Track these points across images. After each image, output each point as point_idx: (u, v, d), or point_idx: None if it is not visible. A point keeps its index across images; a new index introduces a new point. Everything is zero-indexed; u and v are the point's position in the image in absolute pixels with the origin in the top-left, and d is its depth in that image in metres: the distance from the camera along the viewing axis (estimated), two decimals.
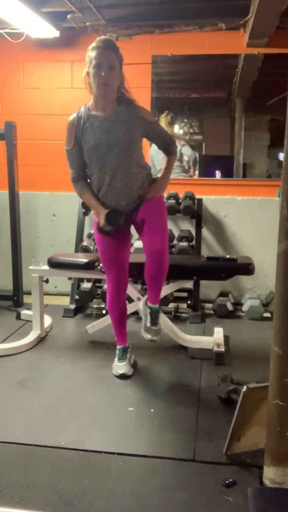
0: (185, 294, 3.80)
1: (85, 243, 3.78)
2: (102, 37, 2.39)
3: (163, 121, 4.02)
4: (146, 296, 2.63)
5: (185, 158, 4.13)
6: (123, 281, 2.67)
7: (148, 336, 2.56)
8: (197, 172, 4.16)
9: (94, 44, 2.33)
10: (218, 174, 4.12)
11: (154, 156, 3.90)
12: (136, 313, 3.32)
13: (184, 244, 3.73)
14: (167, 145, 2.60)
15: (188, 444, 2.04)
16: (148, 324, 2.56)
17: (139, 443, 2.05)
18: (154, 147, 2.81)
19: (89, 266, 2.98)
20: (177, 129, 4.20)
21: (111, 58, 2.31)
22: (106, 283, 2.76)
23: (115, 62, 2.32)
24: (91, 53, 2.32)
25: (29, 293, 3.30)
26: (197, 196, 3.95)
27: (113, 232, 2.47)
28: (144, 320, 2.60)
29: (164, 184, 2.59)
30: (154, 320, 2.57)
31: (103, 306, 3.77)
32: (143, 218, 2.52)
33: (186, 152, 4.12)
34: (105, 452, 1.97)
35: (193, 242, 3.84)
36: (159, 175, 2.65)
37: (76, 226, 4.01)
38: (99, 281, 3.75)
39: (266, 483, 1.76)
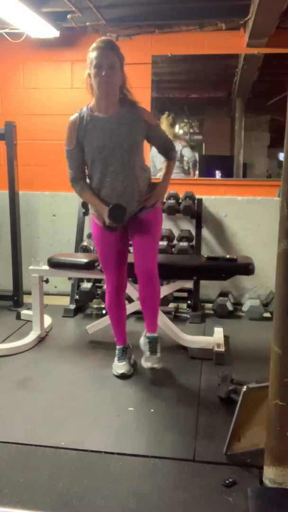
0: (185, 294, 3.80)
1: (85, 243, 3.78)
2: (103, 37, 2.39)
3: (164, 122, 4.01)
4: (144, 333, 2.66)
5: (185, 158, 4.13)
6: (122, 281, 2.67)
7: (147, 365, 2.55)
8: (197, 172, 4.16)
9: (94, 45, 2.33)
10: (218, 174, 4.12)
11: (154, 156, 3.89)
12: (136, 313, 3.33)
13: (184, 244, 3.73)
14: (167, 150, 2.61)
15: (188, 444, 2.04)
16: (148, 353, 2.56)
17: (139, 443, 2.05)
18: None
19: (89, 266, 2.98)
20: (177, 129, 4.20)
21: (111, 57, 2.31)
22: (105, 283, 2.77)
23: (115, 62, 2.32)
24: (91, 54, 2.32)
25: (29, 293, 3.30)
26: (197, 196, 3.95)
27: (119, 227, 2.46)
28: (143, 351, 2.61)
29: (163, 190, 2.59)
30: (153, 349, 2.56)
31: (103, 306, 3.76)
32: (139, 229, 2.54)
33: (186, 153, 4.12)
34: (105, 452, 1.97)
35: (193, 242, 3.84)
36: (158, 175, 2.65)
37: (76, 226, 4.01)
38: (99, 281, 3.75)
39: (266, 483, 1.76)
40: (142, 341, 2.66)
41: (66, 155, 2.49)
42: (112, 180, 2.41)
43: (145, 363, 2.57)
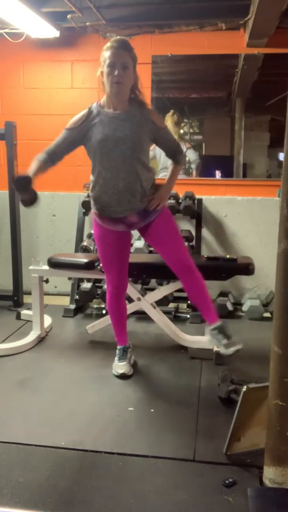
0: (185, 294, 3.77)
1: (85, 243, 3.78)
2: (117, 37, 2.41)
3: (169, 120, 4.00)
4: (206, 327, 2.55)
5: (187, 159, 4.12)
6: (123, 282, 2.67)
7: (230, 350, 2.44)
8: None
9: (108, 44, 2.34)
10: (218, 174, 4.12)
11: (158, 154, 3.88)
12: (136, 313, 3.33)
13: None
14: (174, 153, 2.60)
15: (188, 444, 2.04)
16: (224, 341, 2.45)
17: (139, 443, 2.05)
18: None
19: (89, 266, 2.98)
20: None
21: (125, 57, 2.32)
22: (105, 283, 2.77)
23: (128, 62, 2.33)
24: (105, 53, 2.33)
25: (29, 293, 3.30)
26: (197, 196, 3.95)
27: (27, 200, 2.50)
28: (218, 343, 2.49)
29: (167, 192, 2.58)
30: (226, 334, 2.46)
31: (103, 306, 3.76)
32: (158, 235, 2.56)
33: (190, 155, 4.11)
34: (105, 452, 1.97)
35: (193, 242, 3.84)
36: (160, 175, 2.65)
37: (76, 226, 4.01)
38: (99, 281, 3.75)
39: (266, 483, 1.76)
40: (209, 336, 2.51)
41: (61, 133, 2.47)
42: (113, 175, 2.40)
43: (227, 350, 2.44)
